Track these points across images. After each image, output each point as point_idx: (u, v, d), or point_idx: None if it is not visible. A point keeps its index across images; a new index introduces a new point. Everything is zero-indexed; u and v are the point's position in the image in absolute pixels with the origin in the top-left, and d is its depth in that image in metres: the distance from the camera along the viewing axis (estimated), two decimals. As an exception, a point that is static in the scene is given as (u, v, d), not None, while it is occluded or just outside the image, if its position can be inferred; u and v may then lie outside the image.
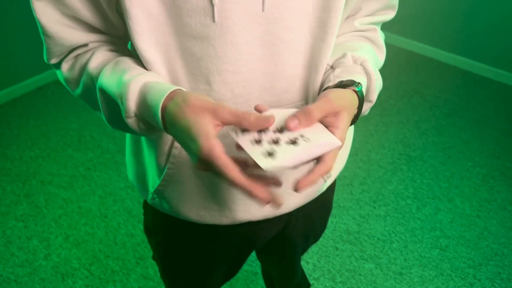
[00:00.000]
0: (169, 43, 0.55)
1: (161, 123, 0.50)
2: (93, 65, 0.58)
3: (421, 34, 3.00)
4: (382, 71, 0.73)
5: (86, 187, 1.99)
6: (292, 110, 0.51)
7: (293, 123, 0.48)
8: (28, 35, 2.52)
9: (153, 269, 1.64)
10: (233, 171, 0.45)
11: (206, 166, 0.47)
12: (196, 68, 0.56)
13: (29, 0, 0.54)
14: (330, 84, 0.57)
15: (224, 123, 0.47)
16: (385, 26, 0.85)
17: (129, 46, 0.65)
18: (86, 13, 0.55)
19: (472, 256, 1.70)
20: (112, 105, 0.56)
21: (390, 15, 0.71)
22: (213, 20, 0.52)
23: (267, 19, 0.54)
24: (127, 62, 0.57)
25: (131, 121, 0.54)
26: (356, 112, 0.57)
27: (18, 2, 2.42)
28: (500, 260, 1.68)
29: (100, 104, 0.58)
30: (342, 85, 0.56)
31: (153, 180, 0.70)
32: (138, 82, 0.52)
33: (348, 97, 0.54)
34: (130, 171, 0.79)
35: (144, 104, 0.51)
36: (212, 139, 0.46)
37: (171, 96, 0.49)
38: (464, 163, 2.13)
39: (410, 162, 2.13)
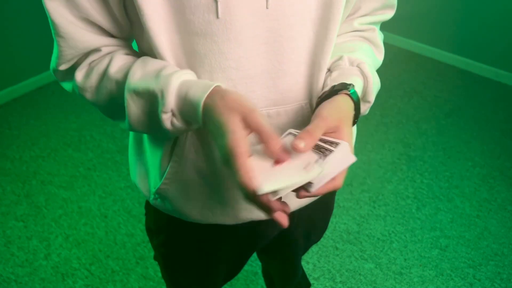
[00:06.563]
0: (173, 40, 0.55)
1: (201, 118, 0.51)
2: (114, 69, 0.57)
3: (420, 34, 3.00)
4: (382, 71, 0.73)
5: (86, 187, 1.99)
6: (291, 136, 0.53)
7: (300, 145, 0.47)
8: (28, 35, 2.52)
9: (153, 269, 1.64)
10: (246, 175, 0.45)
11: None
12: (199, 66, 0.56)
13: (42, 0, 0.53)
14: (326, 89, 0.58)
15: (251, 131, 0.48)
16: (385, 26, 0.85)
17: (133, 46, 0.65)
18: (95, 13, 0.55)
19: (472, 256, 1.70)
20: (145, 104, 0.55)
21: (389, 14, 0.71)
22: (217, 17, 0.52)
23: (271, 16, 0.54)
24: (155, 60, 0.57)
25: (166, 117, 0.53)
26: (354, 114, 0.57)
27: (19, 2, 2.42)
28: (500, 260, 1.68)
29: (126, 106, 0.57)
30: (335, 90, 0.56)
31: (154, 181, 0.70)
32: (178, 78, 0.52)
33: (342, 105, 0.54)
34: (132, 172, 0.79)
35: (185, 100, 0.52)
36: (239, 137, 0.46)
37: (212, 93, 0.50)
38: (464, 163, 2.13)
39: (410, 162, 2.13)
